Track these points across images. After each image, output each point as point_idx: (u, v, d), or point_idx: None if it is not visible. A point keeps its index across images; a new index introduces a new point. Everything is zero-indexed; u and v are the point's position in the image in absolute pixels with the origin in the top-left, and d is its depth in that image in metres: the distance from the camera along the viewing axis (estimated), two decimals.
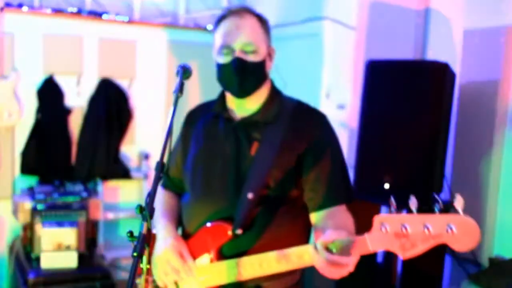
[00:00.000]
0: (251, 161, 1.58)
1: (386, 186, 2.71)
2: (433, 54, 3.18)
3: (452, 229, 1.17)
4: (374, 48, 3.33)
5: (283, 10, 4.31)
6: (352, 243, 1.32)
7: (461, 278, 2.85)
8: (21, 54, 3.82)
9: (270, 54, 1.66)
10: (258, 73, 1.62)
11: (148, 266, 1.35)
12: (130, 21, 4.11)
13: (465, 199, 3.03)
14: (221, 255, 1.59)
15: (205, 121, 1.73)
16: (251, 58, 1.58)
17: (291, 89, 4.37)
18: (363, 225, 2.96)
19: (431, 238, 1.20)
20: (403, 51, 3.20)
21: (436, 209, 1.19)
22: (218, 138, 1.67)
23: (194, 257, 1.63)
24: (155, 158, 4.42)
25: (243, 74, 1.57)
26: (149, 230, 1.33)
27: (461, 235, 1.17)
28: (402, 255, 1.24)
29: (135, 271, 1.30)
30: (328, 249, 1.34)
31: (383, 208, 2.69)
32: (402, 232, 1.22)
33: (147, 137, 4.21)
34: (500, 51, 2.82)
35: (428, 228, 1.19)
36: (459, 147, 3.02)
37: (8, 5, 3.73)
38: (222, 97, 1.72)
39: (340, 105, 3.80)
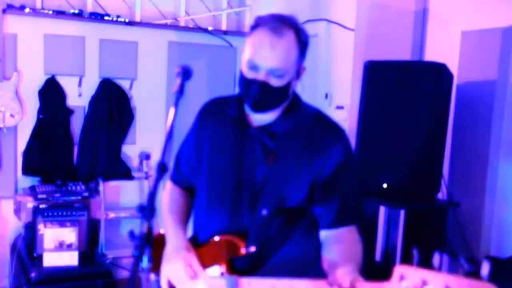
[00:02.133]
0: (266, 173, 1.53)
1: (384, 185, 2.74)
2: (431, 55, 3.20)
3: None
4: (373, 49, 3.35)
5: (282, 11, 4.32)
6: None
7: None
8: (23, 55, 3.84)
9: (299, 73, 1.56)
10: (278, 97, 1.53)
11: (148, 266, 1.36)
12: (131, 22, 4.13)
13: (462, 199, 3.04)
14: (233, 269, 1.54)
15: (222, 122, 1.65)
16: (276, 82, 1.49)
17: None
18: (362, 225, 2.97)
19: None
20: (401, 52, 3.23)
21: (462, 270, 1.13)
22: (235, 144, 1.60)
23: (204, 267, 1.57)
24: (156, 158, 4.47)
25: (264, 97, 1.50)
26: (149, 229, 1.34)
27: None
28: None
29: (136, 270, 1.32)
30: None
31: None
32: None
33: (148, 138, 4.24)
34: (497, 52, 2.84)
35: None
36: (456, 147, 3.04)
37: (10, 6, 3.76)
38: (240, 97, 1.62)
39: (339, 106, 3.82)
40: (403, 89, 2.69)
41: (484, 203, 2.90)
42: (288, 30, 1.49)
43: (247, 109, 1.60)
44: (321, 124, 1.59)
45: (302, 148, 1.53)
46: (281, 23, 1.48)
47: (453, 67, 2.88)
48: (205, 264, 1.57)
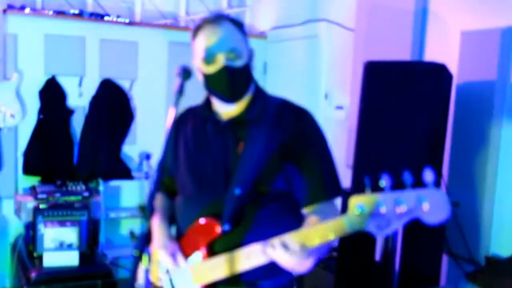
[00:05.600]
0: (238, 159, 1.61)
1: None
2: (431, 55, 3.20)
3: (423, 203, 1.17)
4: (372, 49, 3.36)
5: (282, 12, 4.34)
6: (310, 235, 1.35)
7: (458, 277, 2.88)
8: (24, 55, 3.85)
9: (250, 56, 1.67)
10: (246, 77, 1.64)
11: (148, 266, 1.37)
12: (131, 23, 4.14)
13: (462, 198, 3.05)
14: (213, 252, 1.60)
15: (194, 125, 1.75)
16: (237, 63, 1.59)
17: (291, 90, 4.45)
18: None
19: (404, 214, 1.19)
20: (400, 52, 3.23)
21: (407, 185, 1.19)
22: (207, 140, 1.69)
23: (187, 256, 1.64)
24: (156, 158, 4.48)
25: (233, 81, 1.59)
26: (150, 229, 1.35)
27: (432, 208, 1.17)
28: (378, 234, 1.24)
29: (136, 269, 1.33)
30: (285, 246, 1.38)
31: None
32: (376, 211, 1.21)
33: (148, 138, 4.24)
34: (496, 52, 2.84)
35: (400, 205, 1.19)
36: (456, 147, 3.05)
37: (10, 6, 3.77)
38: (207, 101, 1.73)
39: (339, 106, 3.83)
40: (403, 89, 2.70)
41: (484, 203, 2.90)
42: (223, 20, 1.63)
43: (216, 107, 1.69)
44: (286, 109, 1.69)
45: (269, 132, 1.62)
46: (216, 18, 1.63)
47: (453, 67, 2.88)
48: (187, 253, 1.65)
